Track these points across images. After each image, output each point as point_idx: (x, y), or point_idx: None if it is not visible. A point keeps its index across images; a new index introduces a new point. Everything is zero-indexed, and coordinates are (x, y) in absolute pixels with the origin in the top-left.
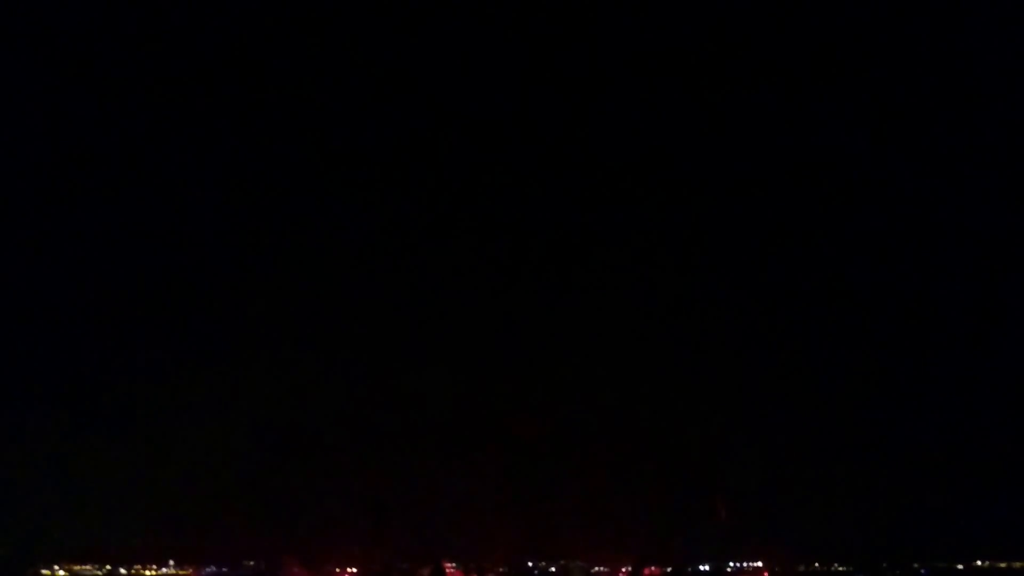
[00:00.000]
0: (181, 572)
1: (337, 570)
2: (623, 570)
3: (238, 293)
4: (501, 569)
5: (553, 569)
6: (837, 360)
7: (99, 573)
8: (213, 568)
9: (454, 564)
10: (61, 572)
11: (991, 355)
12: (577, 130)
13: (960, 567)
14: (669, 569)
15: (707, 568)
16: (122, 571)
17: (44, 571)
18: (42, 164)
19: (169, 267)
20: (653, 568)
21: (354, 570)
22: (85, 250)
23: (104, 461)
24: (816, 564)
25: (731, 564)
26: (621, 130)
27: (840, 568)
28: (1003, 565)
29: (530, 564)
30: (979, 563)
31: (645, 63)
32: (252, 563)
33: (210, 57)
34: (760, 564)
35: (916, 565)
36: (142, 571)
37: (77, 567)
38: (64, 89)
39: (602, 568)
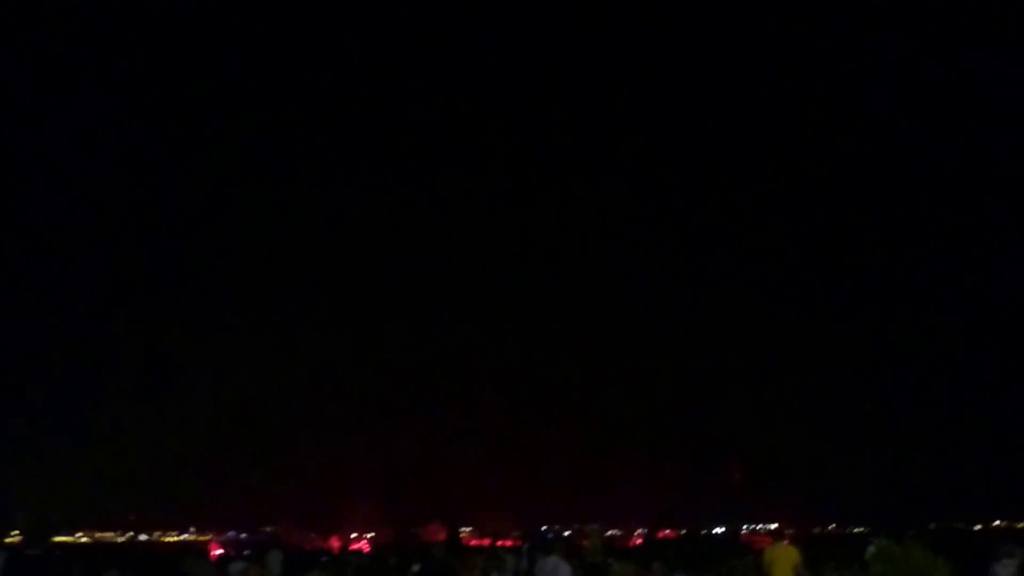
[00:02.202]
0: (201, 538)
1: (353, 536)
2: (637, 533)
3: (249, 265)
4: (515, 534)
5: (567, 533)
6: (852, 324)
7: (121, 540)
8: (232, 533)
9: (468, 529)
10: (84, 539)
11: (1008, 319)
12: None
13: (977, 528)
14: (683, 532)
15: (721, 530)
16: (143, 537)
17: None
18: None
19: (186, 241)
20: (667, 531)
21: (371, 534)
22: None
23: (124, 431)
24: (832, 526)
25: (745, 526)
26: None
27: (856, 530)
28: (1020, 526)
29: (544, 528)
30: (997, 523)
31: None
32: (270, 529)
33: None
34: (775, 526)
35: (933, 526)
36: (162, 537)
37: (99, 534)
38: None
39: (617, 531)
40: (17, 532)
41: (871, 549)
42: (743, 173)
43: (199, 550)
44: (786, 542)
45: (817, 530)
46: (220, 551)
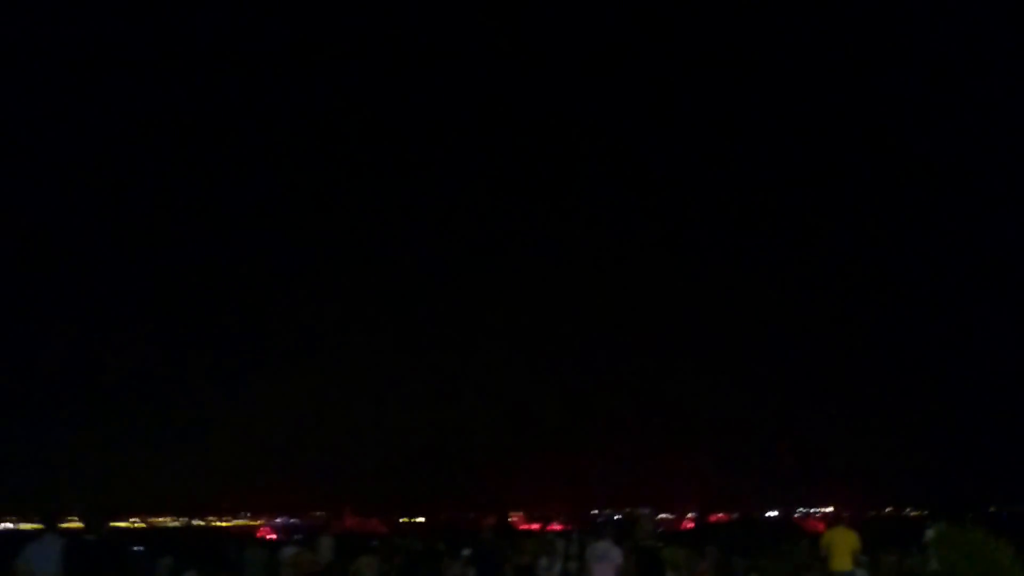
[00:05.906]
0: (253, 523)
1: (406, 520)
2: (688, 517)
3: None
4: (565, 518)
5: (618, 517)
6: (906, 306)
7: (176, 524)
8: (284, 519)
9: (520, 514)
10: (139, 524)
11: None
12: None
13: None
14: (736, 515)
15: (775, 514)
16: (198, 522)
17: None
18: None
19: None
20: (719, 515)
21: (422, 519)
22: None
23: (181, 418)
24: (888, 509)
25: (799, 510)
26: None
27: (913, 513)
28: None
29: (595, 512)
30: None
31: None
32: (320, 513)
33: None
34: (830, 509)
35: (993, 509)
36: (215, 522)
37: (154, 519)
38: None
39: (668, 515)
40: (74, 517)
41: (930, 533)
42: (802, 163)
43: (251, 535)
44: (844, 526)
45: (872, 513)
46: (272, 536)
